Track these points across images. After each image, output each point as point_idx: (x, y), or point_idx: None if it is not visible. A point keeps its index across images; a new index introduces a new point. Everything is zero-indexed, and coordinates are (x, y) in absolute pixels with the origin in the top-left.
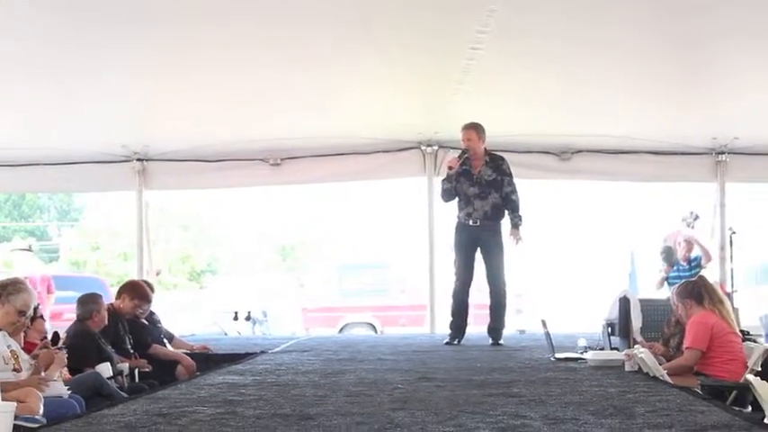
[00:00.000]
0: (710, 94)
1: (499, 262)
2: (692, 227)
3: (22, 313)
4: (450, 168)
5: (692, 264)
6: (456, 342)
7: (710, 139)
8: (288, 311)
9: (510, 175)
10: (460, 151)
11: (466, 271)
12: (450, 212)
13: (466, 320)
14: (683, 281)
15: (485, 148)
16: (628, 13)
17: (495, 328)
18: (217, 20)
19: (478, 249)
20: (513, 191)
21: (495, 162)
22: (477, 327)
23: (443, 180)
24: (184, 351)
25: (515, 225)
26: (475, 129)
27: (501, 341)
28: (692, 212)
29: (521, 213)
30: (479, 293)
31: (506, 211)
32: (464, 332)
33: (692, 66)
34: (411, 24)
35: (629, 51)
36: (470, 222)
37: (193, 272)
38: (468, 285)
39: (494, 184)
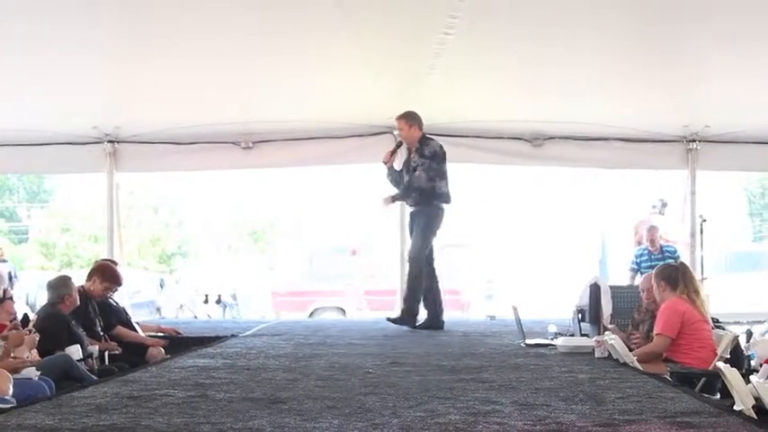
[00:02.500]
0: (682, 81)
1: (415, 242)
2: (662, 214)
3: None
4: (385, 163)
5: (665, 254)
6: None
7: (682, 127)
8: (258, 295)
9: (429, 157)
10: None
11: None
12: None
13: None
14: (664, 262)
15: (423, 135)
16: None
17: (403, 306)
18: (190, 3)
19: None
20: (434, 176)
21: (422, 148)
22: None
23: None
24: (151, 333)
25: (396, 196)
26: (404, 118)
27: (391, 318)
28: (661, 200)
29: (411, 194)
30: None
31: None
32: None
33: (663, 53)
34: (382, 8)
35: (602, 38)
36: (409, 208)
37: (163, 254)
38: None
39: (418, 170)
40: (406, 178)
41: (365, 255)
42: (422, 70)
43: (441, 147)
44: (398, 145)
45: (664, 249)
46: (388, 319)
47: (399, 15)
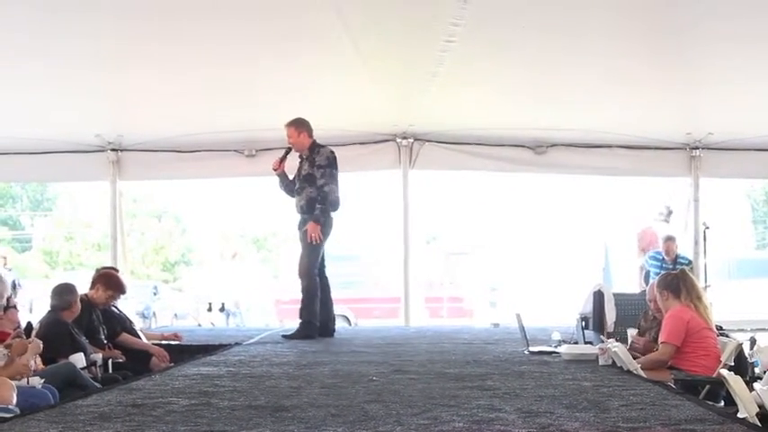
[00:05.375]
0: (685, 89)
1: (303, 254)
2: (668, 221)
3: None
4: (275, 170)
5: (678, 265)
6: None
7: (685, 135)
8: (262, 303)
9: (324, 166)
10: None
11: None
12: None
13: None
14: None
15: (313, 141)
16: (603, 6)
17: (300, 319)
18: (192, 13)
19: None
20: (326, 183)
21: (312, 155)
22: (449, 319)
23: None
24: (155, 341)
25: (312, 218)
26: (293, 125)
27: (287, 334)
28: (667, 207)
29: (323, 205)
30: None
31: None
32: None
33: (667, 61)
34: (385, 15)
35: (605, 45)
36: (298, 216)
37: (167, 262)
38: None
39: (309, 178)
40: (296, 185)
41: (368, 262)
42: (424, 78)
43: (332, 152)
44: (287, 151)
45: (678, 260)
46: (284, 336)
47: (401, 23)
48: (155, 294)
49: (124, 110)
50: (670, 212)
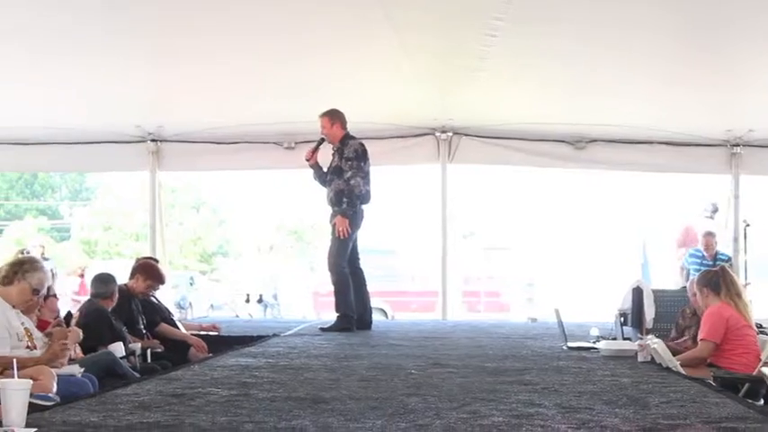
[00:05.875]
0: (726, 85)
1: (331, 247)
2: (713, 218)
3: (36, 292)
4: (307, 161)
5: (718, 260)
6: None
7: (725, 131)
8: (299, 295)
9: (352, 159)
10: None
11: None
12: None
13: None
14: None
15: (345, 134)
16: (645, 3)
17: (337, 313)
18: (235, 5)
19: None
20: (353, 176)
21: (342, 148)
22: (486, 314)
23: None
24: (193, 332)
25: (339, 212)
26: (327, 116)
27: (325, 327)
28: (713, 204)
29: (349, 199)
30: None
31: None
32: (361, 319)
33: (709, 57)
34: (428, 9)
35: (647, 42)
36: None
37: (204, 253)
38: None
39: (337, 171)
40: (328, 176)
41: (405, 255)
42: (465, 72)
43: (361, 144)
44: (320, 142)
45: (718, 256)
46: (321, 329)
47: (443, 17)
48: (191, 285)
49: (165, 100)
50: (716, 209)
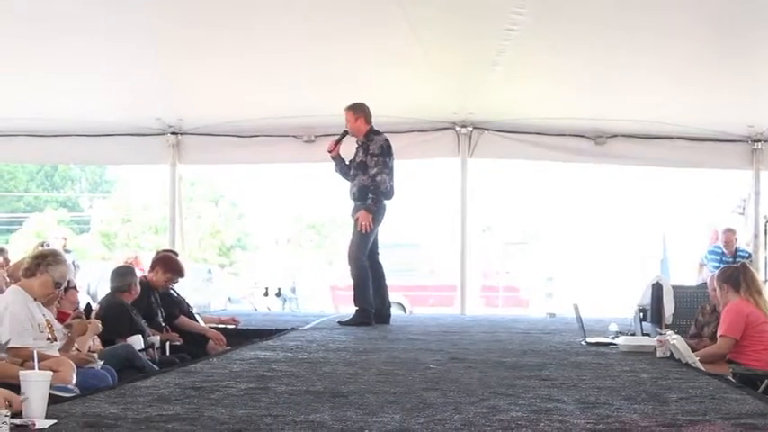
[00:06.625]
0: (748, 81)
1: (352, 240)
2: (743, 214)
3: (58, 285)
4: (329, 152)
5: (738, 257)
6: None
7: (746, 127)
8: (317, 289)
9: (377, 155)
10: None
11: None
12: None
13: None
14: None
15: (370, 128)
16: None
17: (355, 306)
18: (255, 1)
19: None
20: (379, 172)
21: (367, 143)
22: (504, 309)
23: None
24: (212, 325)
25: (364, 207)
26: (351, 110)
27: (343, 321)
28: (743, 200)
29: (375, 195)
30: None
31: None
32: (379, 313)
33: (730, 52)
34: (447, 3)
35: (667, 36)
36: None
37: (223, 247)
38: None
39: (362, 166)
40: (351, 171)
41: (424, 249)
42: (485, 66)
43: (386, 140)
44: (343, 134)
45: (738, 253)
46: (340, 323)
47: (462, 11)
48: (209, 277)
49: (185, 94)
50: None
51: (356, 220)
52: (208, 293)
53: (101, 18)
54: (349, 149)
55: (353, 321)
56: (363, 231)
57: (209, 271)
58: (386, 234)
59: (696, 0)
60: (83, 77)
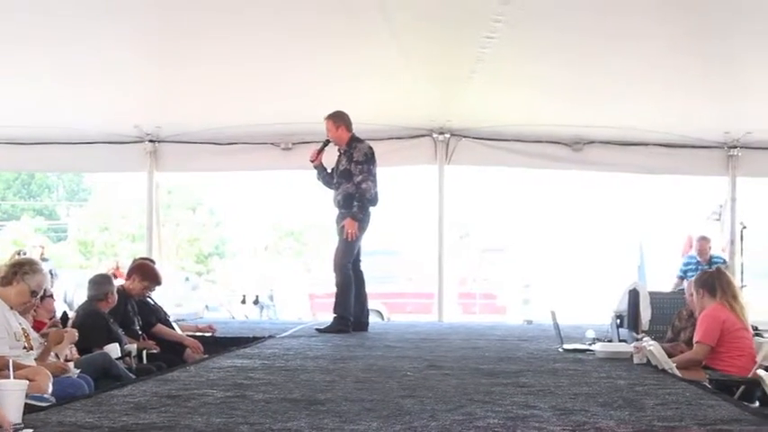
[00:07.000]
0: (724, 88)
1: (338, 248)
2: (719, 220)
3: (34, 294)
4: (312, 162)
5: (713, 263)
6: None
7: (723, 133)
8: (295, 296)
9: (362, 162)
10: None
11: None
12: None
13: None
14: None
15: (351, 136)
16: (642, 5)
17: (334, 313)
18: (232, 6)
19: None
20: (364, 179)
21: (350, 150)
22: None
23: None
24: (189, 333)
25: (350, 214)
26: (331, 119)
27: (321, 327)
28: (720, 206)
29: (361, 203)
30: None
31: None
32: (358, 320)
33: (706, 59)
34: (426, 11)
35: (643, 43)
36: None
37: (201, 254)
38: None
39: (346, 174)
40: (334, 179)
41: (401, 257)
42: (463, 74)
43: (370, 148)
44: (325, 143)
45: (713, 260)
46: (318, 329)
47: (441, 19)
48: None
49: (163, 101)
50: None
51: (342, 228)
52: (193, 302)
53: (78, 26)
54: (330, 158)
55: (331, 328)
56: (349, 239)
57: (187, 279)
58: (364, 241)
59: (672, 8)
60: (60, 85)
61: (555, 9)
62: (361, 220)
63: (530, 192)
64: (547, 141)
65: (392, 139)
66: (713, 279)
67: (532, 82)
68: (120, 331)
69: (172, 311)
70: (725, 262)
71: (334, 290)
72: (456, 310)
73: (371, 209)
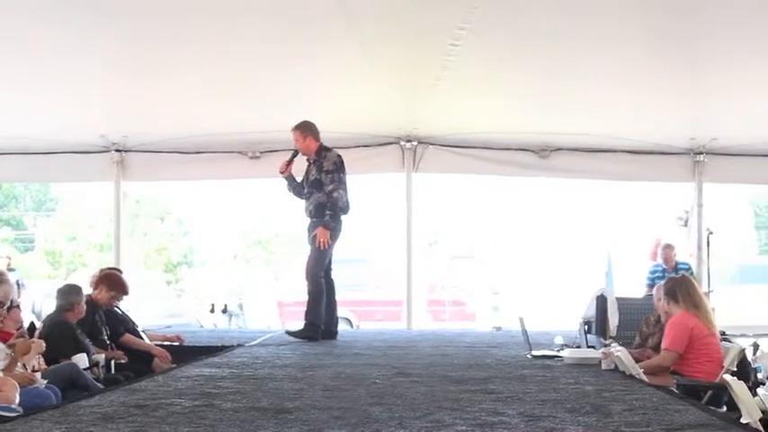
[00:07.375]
0: (690, 94)
1: (310, 256)
2: (686, 226)
3: (1, 304)
4: (281, 173)
5: (678, 270)
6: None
7: (689, 140)
8: (264, 305)
9: (332, 171)
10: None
11: None
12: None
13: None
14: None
15: (320, 145)
16: (608, 11)
17: (305, 320)
18: (197, 14)
19: None
20: (335, 188)
21: (319, 160)
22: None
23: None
24: (157, 342)
25: (321, 223)
26: (299, 129)
27: (291, 331)
28: (686, 212)
29: (333, 212)
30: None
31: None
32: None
33: (671, 65)
34: (391, 19)
35: (610, 50)
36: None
37: (169, 263)
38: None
39: (316, 183)
40: (305, 189)
41: (370, 264)
42: (429, 81)
43: (339, 156)
44: (294, 154)
45: (678, 267)
46: (288, 332)
47: (407, 27)
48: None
49: (129, 111)
50: (689, 218)
51: (314, 237)
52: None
53: (44, 36)
54: (300, 168)
55: (301, 334)
56: (322, 248)
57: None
58: (335, 250)
59: (636, 12)
60: (25, 95)
61: (520, 17)
62: (334, 228)
63: (498, 199)
64: (514, 149)
65: (359, 147)
66: (676, 286)
67: (499, 89)
68: (87, 341)
69: (163, 323)
70: (690, 268)
71: (303, 298)
72: (425, 317)
73: (343, 217)
